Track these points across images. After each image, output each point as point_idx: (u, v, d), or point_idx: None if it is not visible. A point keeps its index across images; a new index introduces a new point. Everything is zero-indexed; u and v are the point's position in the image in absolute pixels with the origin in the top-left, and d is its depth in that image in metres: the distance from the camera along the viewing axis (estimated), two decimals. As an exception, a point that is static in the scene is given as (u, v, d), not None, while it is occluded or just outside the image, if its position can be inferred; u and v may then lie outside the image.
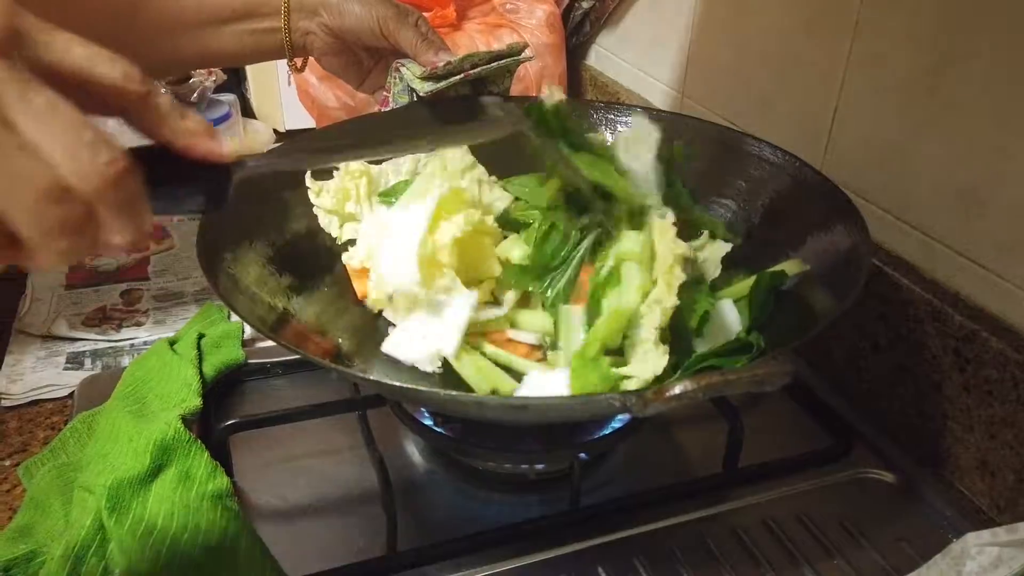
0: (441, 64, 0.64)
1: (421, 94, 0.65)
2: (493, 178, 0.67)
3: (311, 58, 0.71)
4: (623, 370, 0.51)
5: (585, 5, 1.09)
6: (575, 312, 0.55)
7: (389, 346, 0.58)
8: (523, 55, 0.68)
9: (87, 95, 0.31)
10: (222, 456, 0.57)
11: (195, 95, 0.98)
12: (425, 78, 0.65)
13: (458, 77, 0.64)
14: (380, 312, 0.62)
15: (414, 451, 0.63)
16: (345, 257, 0.64)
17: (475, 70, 0.64)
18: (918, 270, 0.64)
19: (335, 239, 0.66)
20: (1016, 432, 0.55)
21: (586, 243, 0.57)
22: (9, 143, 0.28)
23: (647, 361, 0.50)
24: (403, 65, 0.67)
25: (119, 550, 0.48)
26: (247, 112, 1.11)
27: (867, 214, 0.58)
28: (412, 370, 0.57)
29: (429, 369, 0.56)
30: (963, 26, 0.57)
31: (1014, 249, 0.56)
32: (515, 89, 0.74)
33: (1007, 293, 0.57)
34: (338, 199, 0.66)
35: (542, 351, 0.59)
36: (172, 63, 0.74)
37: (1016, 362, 0.54)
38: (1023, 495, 0.56)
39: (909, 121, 0.63)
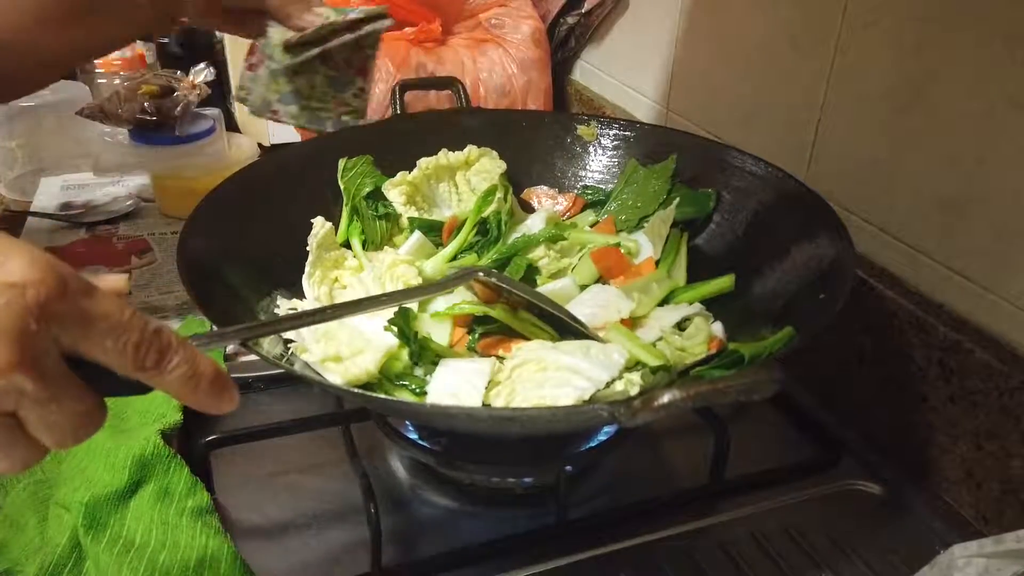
0: (306, 31, 0.62)
1: (283, 65, 0.63)
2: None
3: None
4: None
5: (570, 21, 1.09)
6: None
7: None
8: (382, 22, 0.65)
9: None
10: (202, 472, 0.56)
11: (178, 109, 0.97)
12: (286, 49, 0.63)
13: (317, 50, 0.63)
14: None
15: (399, 465, 0.62)
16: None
17: (336, 42, 0.62)
18: (902, 281, 0.64)
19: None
20: (1001, 443, 0.55)
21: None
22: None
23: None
24: (269, 26, 0.65)
25: (96, 568, 0.47)
26: (231, 126, 1.11)
27: (850, 226, 0.58)
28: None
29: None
30: (943, 41, 0.58)
31: (996, 260, 0.57)
32: (501, 103, 0.74)
33: (990, 304, 0.57)
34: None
35: None
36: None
37: (1000, 372, 0.55)
38: (1009, 506, 0.56)
39: (891, 134, 0.63)
